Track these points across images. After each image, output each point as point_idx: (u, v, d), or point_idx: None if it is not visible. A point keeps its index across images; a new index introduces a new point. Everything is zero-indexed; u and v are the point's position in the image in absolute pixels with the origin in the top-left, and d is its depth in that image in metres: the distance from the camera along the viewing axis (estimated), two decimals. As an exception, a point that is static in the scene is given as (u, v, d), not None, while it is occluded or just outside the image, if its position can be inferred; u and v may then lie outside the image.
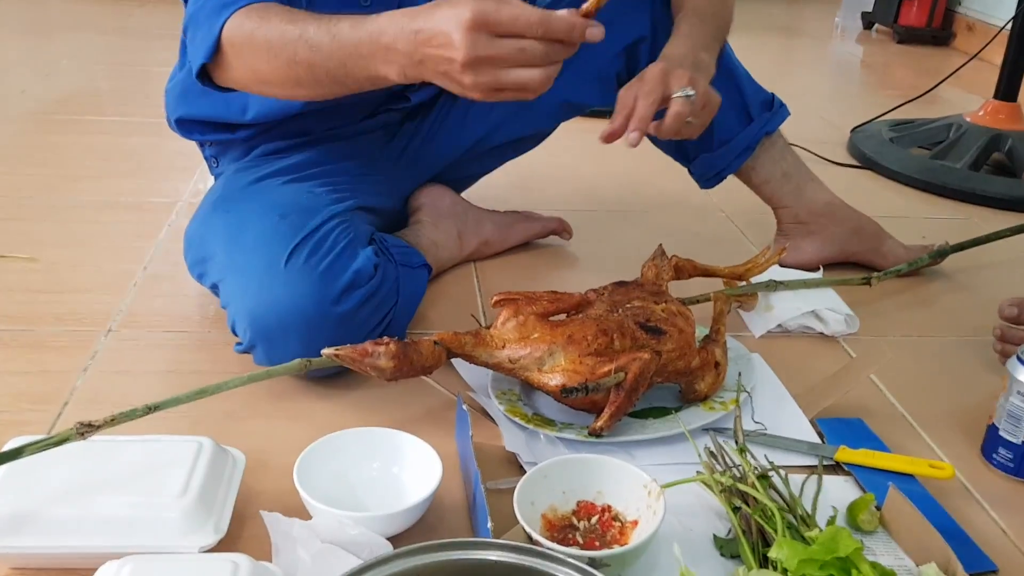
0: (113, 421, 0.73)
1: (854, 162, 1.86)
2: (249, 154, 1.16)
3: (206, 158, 1.25)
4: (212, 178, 1.23)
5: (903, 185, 1.75)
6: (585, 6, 0.79)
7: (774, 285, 1.17)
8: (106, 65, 2.33)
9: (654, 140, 1.24)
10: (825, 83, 2.80)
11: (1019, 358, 0.87)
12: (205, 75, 0.93)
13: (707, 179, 1.29)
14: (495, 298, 0.94)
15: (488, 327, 0.93)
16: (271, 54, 0.87)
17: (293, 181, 1.08)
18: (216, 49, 0.89)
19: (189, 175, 1.59)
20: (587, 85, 1.20)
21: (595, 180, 1.69)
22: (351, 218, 1.04)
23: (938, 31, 3.24)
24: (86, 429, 0.72)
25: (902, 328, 1.20)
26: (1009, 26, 1.85)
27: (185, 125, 1.18)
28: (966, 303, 1.27)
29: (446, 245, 1.27)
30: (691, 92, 0.93)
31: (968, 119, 1.85)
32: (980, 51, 2.20)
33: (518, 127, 1.27)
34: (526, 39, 0.76)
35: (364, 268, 0.96)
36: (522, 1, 0.77)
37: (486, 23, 0.75)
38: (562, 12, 0.77)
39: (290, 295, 0.92)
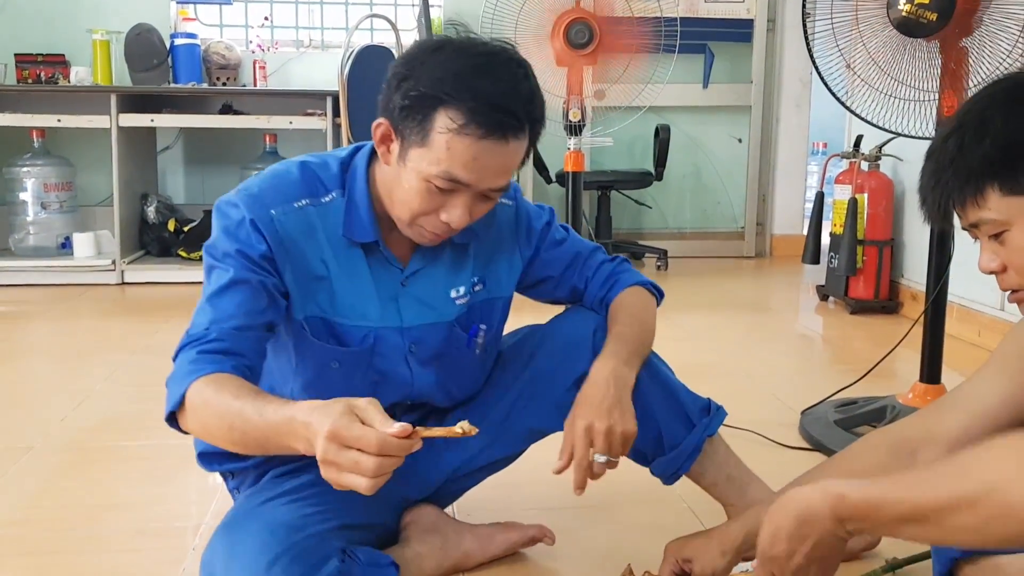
0: None
1: (804, 445, 2.07)
2: (261, 480, 1.39)
3: (229, 490, 1.47)
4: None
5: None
6: (435, 431, 1.06)
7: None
8: (135, 387, 2.60)
9: None
10: (784, 359, 3.07)
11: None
12: (173, 419, 1.18)
13: (666, 478, 1.50)
14: None
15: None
16: (217, 418, 1.12)
17: (291, 502, 1.30)
18: (180, 404, 1.15)
19: (210, 496, 1.79)
20: (547, 414, 1.46)
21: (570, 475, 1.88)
22: (328, 536, 1.27)
23: (886, 301, 3.57)
24: None
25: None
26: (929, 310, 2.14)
27: (206, 458, 1.42)
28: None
29: (430, 556, 1.45)
30: (603, 458, 1.28)
31: (900, 401, 2.09)
32: (913, 326, 2.48)
33: (492, 453, 1.50)
34: (364, 454, 0.97)
35: (331, 573, 1.21)
36: (379, 415, 0.99)
37: (337, 437, 0.98)
38: (394, 437, 0.98)
39: None
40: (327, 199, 1.30)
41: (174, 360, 1.20)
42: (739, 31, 4.96)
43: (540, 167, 4.61)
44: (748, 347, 3.20)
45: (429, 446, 1.46)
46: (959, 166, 1.04)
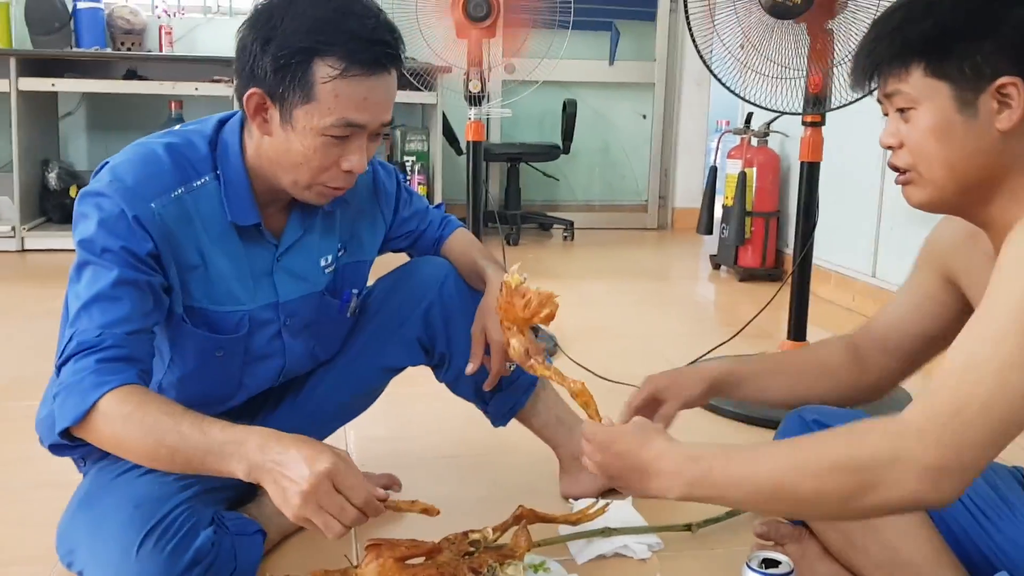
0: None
1: (683, 397, 2.22)
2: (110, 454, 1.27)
3: (74, 459, 1.39)
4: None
5: (726, 418, 2.11)
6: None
7: (608, 532, 1.46)
8: (35, 350, 2.60)
9: (454, 388, 1.59)
10: (675, 323, 3.23)
11: (748, 565, 1.12)
12: (65, 432, 1.13)
13: (500, 416, 1.60)
14: (367, 543, 1.21)
15: (356, 566, 1.20)
16: (143, 433, 1.09)
17: (147, 472, 1.24)
18: (84, 418, 1.10)
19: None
20: (399, 352, 1.53)
21: (468, 427, 2.00)
22: (195, 503, 1.23)
23: (772, 269, 3.77)
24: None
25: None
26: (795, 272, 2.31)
27: (57, 449, 1.25)
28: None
29: None
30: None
31: (770, 357, 2.26)
32: (780, 287, 2.65)
33: (343, 393, 1.54)
34: (349, 504, 1.03)
35: (203, 545, 1.18)
36: (360, 473, 1.06)
37: (335, 477, 1.03)
38: (378, 500, 1.07)
39: None
40: (199, 183, 1.25)
41: (60, 368, 1.14)
42: (644, 9, 5.10)
43: (451, 138, 4.68)
44: (643, 312, 3.36)
45: (279, 397, 1.51)
46: (896, 37, 1.07)
